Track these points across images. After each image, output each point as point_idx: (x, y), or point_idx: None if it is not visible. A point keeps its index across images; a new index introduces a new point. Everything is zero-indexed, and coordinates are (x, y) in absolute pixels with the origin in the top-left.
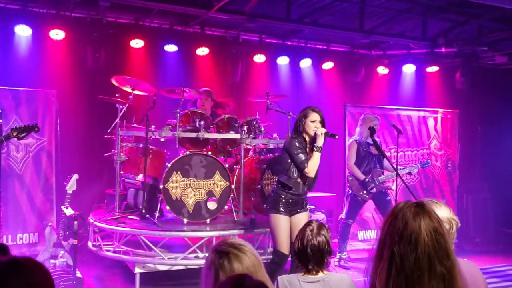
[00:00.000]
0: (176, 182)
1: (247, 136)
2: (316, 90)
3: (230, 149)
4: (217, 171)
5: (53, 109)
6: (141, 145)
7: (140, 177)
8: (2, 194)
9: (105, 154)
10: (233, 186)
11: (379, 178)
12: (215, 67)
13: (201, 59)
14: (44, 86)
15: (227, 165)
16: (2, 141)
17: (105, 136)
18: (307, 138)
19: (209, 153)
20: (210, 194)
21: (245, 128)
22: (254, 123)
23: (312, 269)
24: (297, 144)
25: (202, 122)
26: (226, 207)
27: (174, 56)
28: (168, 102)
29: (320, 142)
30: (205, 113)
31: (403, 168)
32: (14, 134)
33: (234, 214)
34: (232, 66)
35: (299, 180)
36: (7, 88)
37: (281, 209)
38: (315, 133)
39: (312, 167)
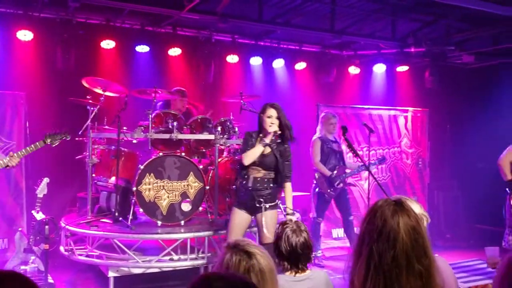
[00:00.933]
0: (149, 184)
1: (221, 136)
2: (289, 90)
3: (204, 150)
4: (191, 173)
5: (22, 112)
6: (113, 147)
7: (113, 179)
8: None
9: (77, 157)
10: (207, 187)
11: (345, 174)
12: (188, 67)
13: (173, 60)
14: (12, 88)
15: (201, 166)
16: (36, 146)
17: (76, 139)
18: (265, 134)
19: (183, 154)
20: (184, 195)
21: (219, 128)
22: (228, 123)
23: (303, 268)
24: (248, 137)
25: (175, 123)
26: (200, 208)
27: (145, 57)
28: (140, 103)
29: (267, 138)
30: (178, 113)
31: (360, 166)
32: (48, 140)
33: (209, 215)
34: (205, 66)
35: (250, 172)
36: None
37: (237, 202)
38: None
39: (247, 155)
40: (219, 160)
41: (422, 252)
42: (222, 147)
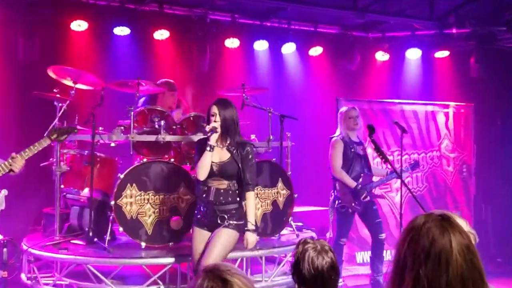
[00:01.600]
0: (131, 197)
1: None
2: (302, 81)
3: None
4: (182, 183)
5: None
6: (86, 152)
7: (86, 191)
8: None
9: (42, 164)
10: None
11: (371, 183)
12: (177, 54)
13: (159, 44)
14: None
15: (193, 175)
16: (41, 144)
17: None
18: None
19: (172, 160)
20: (174, 211)
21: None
22: None
23: None
24: (199, 146)
25: (162, 122)
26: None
27: (126, 41)
28: (119, 98)
29: (211, 140)
30: (166, 110)
31: (390, 173)
32: (54, 136)
33: None
34: (199, 52)
35: (211, 183)
36: None
37: (196, 219)
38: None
39: (198, 168)
40: None
41: (478, 275)
42: None
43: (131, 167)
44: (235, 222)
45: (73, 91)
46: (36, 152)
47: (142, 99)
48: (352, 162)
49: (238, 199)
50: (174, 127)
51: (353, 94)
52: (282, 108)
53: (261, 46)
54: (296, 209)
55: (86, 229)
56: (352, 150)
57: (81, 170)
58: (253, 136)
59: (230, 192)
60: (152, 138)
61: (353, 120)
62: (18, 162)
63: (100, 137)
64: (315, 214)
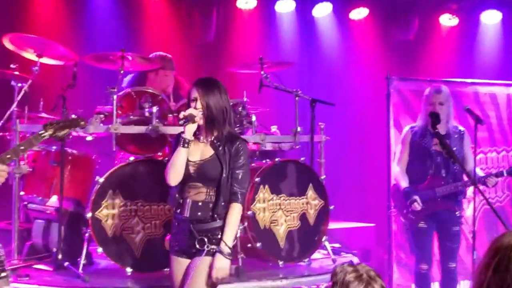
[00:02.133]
0: (114, 207)
1: None
2: (340, 54)
3: None
4: None
5: None
6: (54, 147)
7: (54, 200)
8: None
9: None
10: None
11: (440, 189)
12: (174, 18)
13: (150, 6)
14: None
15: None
16: (31, 144)
17: None
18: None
19: (167, 159)
20: (169, 227)
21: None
22: (240, 109)
23: None
24: (177, 139)
25: (154, 109)
26: (197, 245)
27: (106, 3)
28: (97, 77)
29: (185, 131)
30: (159, 93)
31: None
32: (49, 132)
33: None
34: (202, 16)
35: (186, 193)
36: None
37: (172, 245)
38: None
39: (167, 168)
40: None
41: None
42: None
43: (113, 169)
44: (217, 247)
45: (36, 67)
46: (22, 153)
47: (127, 78)
48: (418, 158)
49: (220, 213)
50: (170, 115)
51: (410, 71)
52: (314, 90)
53: (285, 6)
54: (332, 225)
55: (54, 250)
56: (424, 143)
57: (47, 172)
58: (274, 128)
59: (211, 205)
60: (141, 129)
61: (433, 108)
62: None
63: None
64: (357, 232)
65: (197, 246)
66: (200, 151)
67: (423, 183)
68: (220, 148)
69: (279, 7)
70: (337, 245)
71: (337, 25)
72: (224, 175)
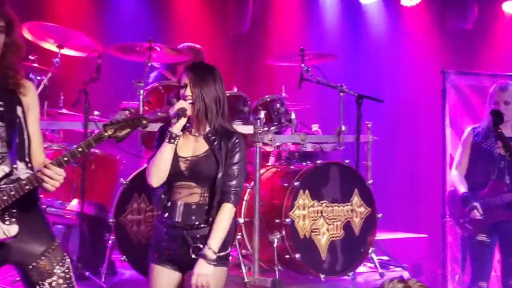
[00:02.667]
0: (140, 213)
1: (266, 129)
2: (391, 45)
3: None
4: None
5: None
6: (75, 146)
7: (74, 204)
8: None
9: None
10: (241, 220)
11: (504, 196)
12: (205, 6)
13: None
14: None
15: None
16: (90, 145)
17: None
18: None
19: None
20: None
21: (262, 114)
22: (278, 106)
23: None
24: (160, 133)
25: None
26: (229, 257)
27: None
28: (123, 70)
29: (174, 127)
30: None
31: None
32: (109, 132)
33: (244, 271)
34: (237, 3)
35: (175, 195)
36: None
37: (153, 253)
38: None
39: (149, 166)
40: (262, 172)
41: None
42: (268, 148)
43: (139, 170)
44: (218, 254)
45: (57, 59)
46: (80, 156)
47: (154, 73)
48: (481, 163)
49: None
50: None
51: (468, 65)
52: (360, 85)
53: None
54: (380, 235)
55: (74, 258)
56: (486, 146)
57: (67, 174)
58: (315, 127)
59: (206, 207)
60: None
61: (498, 107)
62: (53, 175)
63: (95, 126)
64: (408, 244)
65: (192, 255)
66: (192, 146)
67: (484, 189)
68: (216, 143)
69: None
70: (385, 257)
71: (387, 13)
72: (220, 173)
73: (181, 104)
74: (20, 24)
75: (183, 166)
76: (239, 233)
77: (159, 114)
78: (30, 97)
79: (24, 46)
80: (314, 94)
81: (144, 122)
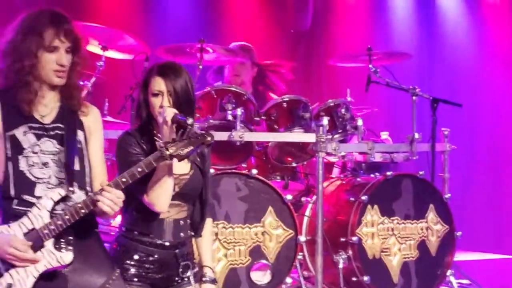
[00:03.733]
0: None
1: (329, 137)
2: (469, 44)
3: (294, 164)
4: (270, 209)
5: None
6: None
7: (119, 220)
8: None
9: None
10: (302, 239)
11: None
12: (261, 2)
13: None
14: None
15: (289, 197)
16: (150, 165)
17: None
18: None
19: (254, 172)
20: (256, 253)
21: (325, 121)
22: (343, 111)
23: None
24: (126, 143)
25: (239, 111)
26: (289, 280)
27: None
28: None
29: (171, 146)
30: (245, 92)
31: None
32: (171, 150)
33: None
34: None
35: (162, 215)
36: None
37: (133, 272)
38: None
39: (158, 196)
40: (325, 185)
41: None
42: (332, 158)
43: None
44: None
45: (101, 62)
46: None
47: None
48: None
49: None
50: (258, 118)
51: None
52: (435, 87)
53: None
54: (460, 256)
55: None
56: None
57: None
58: (384, 135)
59: (188, 221)
60: (223, 136)
61: None
62: (112, 197)
63: None
64: (492, 266)
65: (181, 274)
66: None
67: None
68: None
69: None
70: (465, 281)
71: (466, 8)
72: (206, 187)
73: (171, 111)
74: (86, 41)
75: (175, 186)
76: (300, 253)
77: (211, 121)
78: (93, 119)
79: (87, 63)
80: (383, 97)
81: (209, 139)
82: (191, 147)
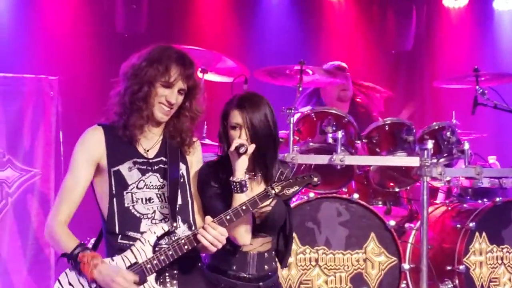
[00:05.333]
0: None
1: (434, 161)
2: None
3: (396, 189)
4: (372, 235)
5: (52, 111)
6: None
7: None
8: None
9: None
10: (406, 267)
11: None
12: (361, 23)
13: (332, 8)
14: (36, 70)
15: (392, 222)
16: (256, 204)
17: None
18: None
19: (356, 196)
20: (358, 281)
21: (429, 144)
22: (448, 134)
23: None
24: (206, 179)
25: (339, 134)
26: None
27: (279, 6)
28: (268, 95)
29: (238, 169)
30: (346, 115)
31: None
32: (277, 190)
33: None
34: (398, 17)
35: (245, 248)
36: None
37: None
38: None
39: (239, 229)
40: (430, 210)
41: None
42: (437, 183)
43: None
44: None
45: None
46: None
47: (302, 96)
48: None
49: (274, 265)
50: (358, 142)
51: None
52: None
53: (507, 2)
54: None
55: None
56: None
57: None
58: (492, 159)
59: (273, 253)
60: (323, 159)
61: None
62: (216, 235)
63: None
64: None
65: None
66: (255, 191)
67: None
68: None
69: (498, 4)
70: None
71: None
72: (289, 217)
73: (239, 140)
74: (203, 92)
75: (256, 218)
76: (404, 281)
77: (311, 144)
78: (196, 155)
79: (201, 116)
80: (491, 120)
81: (315, 179)
82: (297, 187)
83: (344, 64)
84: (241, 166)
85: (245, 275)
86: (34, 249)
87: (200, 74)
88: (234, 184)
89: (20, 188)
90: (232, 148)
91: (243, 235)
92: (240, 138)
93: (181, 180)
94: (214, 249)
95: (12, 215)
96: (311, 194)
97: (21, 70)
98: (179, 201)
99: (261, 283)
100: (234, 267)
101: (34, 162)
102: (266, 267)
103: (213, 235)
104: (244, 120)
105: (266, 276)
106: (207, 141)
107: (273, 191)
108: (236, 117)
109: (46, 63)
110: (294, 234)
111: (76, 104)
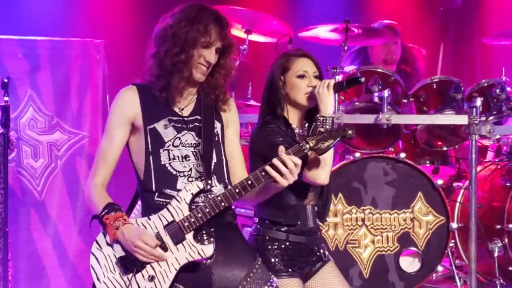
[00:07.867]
0: (336, 214)
1: (483, 119)
2: None
3: (444, 148)
4: (420, 194)
5: (98, 74)
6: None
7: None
8: (11, 239)
9: None
10: (454, 226)
11: None
12: None
13: None
14: (82, 33)
15: (439, 182)
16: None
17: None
18: (294, 119)
19: (402, 156)
20: (405, 240)
21: (478, 102)
22: (498, 91)
23: None
24: (274, 130)
25: (386, 93)
26: (440, 268)
27: None
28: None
29: (326, 105)
30: (392, 73)
31: None
32: (311, 144)
33: (459, 284)
34: None
35: (304, 201)
36: (15, 38)
37: (280, 267)
38: (310, 99)
39: (321, 167)
40: (479, 169)
41: None
42: (486, 141)
43: (334, 167)
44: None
45: (245, 46)
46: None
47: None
48: None
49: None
50: (405, 100)
51: None
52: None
53: None
54: None
55: None
56: None
57: None
58: None
59: (316, 206)
60: (369, 119)
61: None
62: (288, 162)
63: None
64: None
65: (317, 253)
66: None
67: None
68: None
69: None
70: None
71: None
72: None
73: (328, 81)
74: (237, 51)
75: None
76: (452, 241)
77: (356, 104)
78: (231, 113)
79: (233, 73)
80: None
81: (350, 132)
82: (332, 141)
83: (395, 23)
84: (332, 103)
85: (308, 229)
86: (83, 210)
87: (244, 35)
88: (324, 118)
89: (69, 151)
90: (328, 84)
91: (324, 173)
92: (309, 86)
93: (216, 139)
94: (285, 183)
95: (62, 177)
96: (357, 154)
97: (67, 33)
98: (214, 159)
99: (312, 238)
100: (299, 223)
101: (82, 125)
102: (317, 219)
103: (290, 165)
104: (317, 67)
105: (318, 229)
106: (252, 102)
107: (308, 145)
108: (305, 65)
109: (92, 26)
110: (340, 194)
111: (121, 67)
